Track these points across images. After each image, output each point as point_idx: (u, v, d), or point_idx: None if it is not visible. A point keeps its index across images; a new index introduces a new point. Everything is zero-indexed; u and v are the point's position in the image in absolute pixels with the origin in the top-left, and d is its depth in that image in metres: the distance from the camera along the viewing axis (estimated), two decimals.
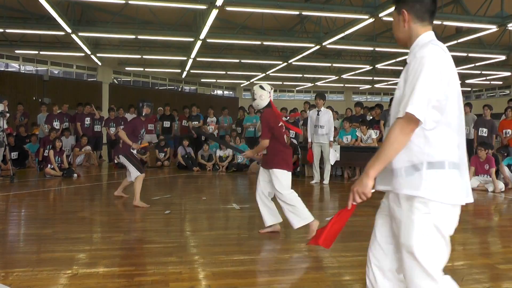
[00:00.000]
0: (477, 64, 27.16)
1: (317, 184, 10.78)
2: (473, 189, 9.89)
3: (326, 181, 10.85)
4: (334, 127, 12.51)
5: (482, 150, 9.95)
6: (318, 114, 10.66)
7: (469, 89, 40.65)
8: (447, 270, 4.18)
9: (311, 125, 10.83)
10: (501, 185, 9.75)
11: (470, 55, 25.20)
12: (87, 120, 15.19)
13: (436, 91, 2.12)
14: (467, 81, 35.10)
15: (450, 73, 2.19)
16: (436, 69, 2.13)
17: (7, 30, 20.38)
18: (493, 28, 17.54)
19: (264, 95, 5.64)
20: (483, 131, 11.90)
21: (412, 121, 2.13)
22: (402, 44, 2.42)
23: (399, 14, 2.38)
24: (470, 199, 2.25)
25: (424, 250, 2.18)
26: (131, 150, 7.82)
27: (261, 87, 5.66)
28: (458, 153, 2.23)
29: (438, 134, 2.19)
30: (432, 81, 2.12)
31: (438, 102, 2.15)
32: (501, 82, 36.27)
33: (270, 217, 5.65)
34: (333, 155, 10.84)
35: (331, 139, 10.82)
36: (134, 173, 7.57)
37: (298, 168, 12.22)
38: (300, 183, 10.96)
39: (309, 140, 10.97)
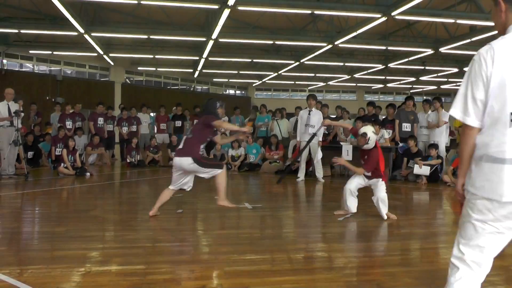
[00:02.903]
0: None
1: (302, 182, 11.08)
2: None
3: (320, 177, 11.23)
4: None
5: None
6: (309, 114, 11.08)
7: None
8: None
9: (301, 124, 11.22)
10: None
11: None
12: (100, 120, 15.27)
13: (474, 92, 2.36)
14: None
15: (492, 72, 2.28)
16: (474, 70, 2.36)
17: (22, 31, 20.59)
18: None
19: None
20: None
21: (465, 125, 2.47)
22: (501, 33, 2.48)
23: (496, 5, 2.49)
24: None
25: None
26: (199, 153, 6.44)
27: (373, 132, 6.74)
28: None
29: (484, 134, 2.38)
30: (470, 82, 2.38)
31: (481, 102, 2.34)
32: None
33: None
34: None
35: (320, 138, 11.28)
36: (214, 172, 6.25)
37: (310, 168, 12.18)
38: (312, 182, 10.93)
39: (298, 139, 11.41)
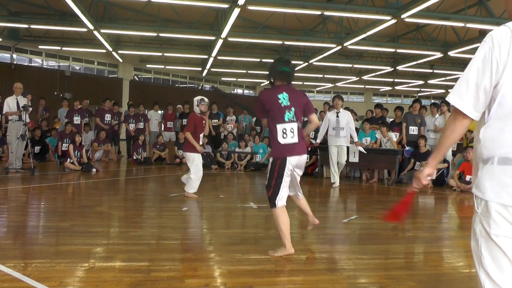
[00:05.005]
0: None
1: (338, 188, 10.29)
2: None
3: (337, 183, 10.44)
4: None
5: None
6: (337, 116, 10.29)
7: None
8: (464, 277, 4.14)
9: (330, 127, 10.46)
10: None
11: None
12: (107, 116, 15.31)
13: (478, 78, 2.03)
14: None
15: (508, 57, 1.98)
16: (483, 53, 2.03)
17: (32, 26, 20.71)
18: None
19: None
20: None
21: (457, 111, 2.09)
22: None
23: None
24: None
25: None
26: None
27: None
28: None
29: (492, 128, 2.04)
30: (476, 67, 2.04)
31: (485, 91, 2.02)
32: None
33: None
34: (356, 149, 10.90)
35: (356, 139, 10.72)
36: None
37: (316, 169, 12.17)
38: (318, 183, 10.91)
39: (318, 141, 10.76)
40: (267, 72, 4.88)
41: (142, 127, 15.52)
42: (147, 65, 31.42)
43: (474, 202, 2.08)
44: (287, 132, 4.55)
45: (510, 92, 1.97)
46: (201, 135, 8.29)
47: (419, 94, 40.29)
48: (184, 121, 15.92)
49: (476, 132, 2.13)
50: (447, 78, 31.99)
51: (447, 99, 2.12)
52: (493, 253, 1.98)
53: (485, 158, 2.03)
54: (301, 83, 37.37)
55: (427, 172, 2.32)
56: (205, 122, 8.34)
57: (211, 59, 25.98)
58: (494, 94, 2.01)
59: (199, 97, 8.29)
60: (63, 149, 13.03)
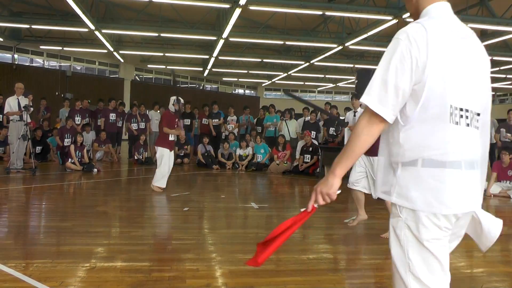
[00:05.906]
0: (502, 68, 26.76)
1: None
2: (494, 196, 9.68)
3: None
4: None
5: (506, 155, 9.76)
6: (354, 115, 10.03)
7: (493, 93, 40.06)
8: (466, 278, 4.14)
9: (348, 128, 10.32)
10: None
11: (495, 58, 24.84)
12: (112, 116, 15.31)
13: (398, 79, 1.85)
14: (491, 85, 34.60)
15: (427, 57, 1.83)
16: (400, 51, 1.86)
17: (33, 26, 20.72)
18: None
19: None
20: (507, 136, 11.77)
21: (374, 114, 1.89)
22: (414, 18, 2.07)
23: None
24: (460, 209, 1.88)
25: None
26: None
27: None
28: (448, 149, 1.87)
29: (416, 130, 1.89)
30: (394, 67, 1.86)
31: (403, 92, 1.85)
32: None
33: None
34: None
35: None
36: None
37: (317, 169, 12.15)
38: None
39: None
40: (362, 90, 5.04)
41: (144, 127, 15.52)
42: (148, 65, 31.40)
43: (396, 207, 1.94)
44: None
45: (434, 94, 1.84)
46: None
47: None
48: (186, 121, 15.96)
49: (389, 134, 2.00)
50: None
51: (362, 100, 1.93)
52: (425, 257, 1.88)
53: (407, 161, 1.90)
54: (302, 83, 37.37)
55: (337, 185, 2.02)
56: (177, 120, 8.96)
57: (212, 59, 25.95)
58: (414, 96, 1.87)
59: (175, 97, 8.87)
60: (64, 144, 13.00)
